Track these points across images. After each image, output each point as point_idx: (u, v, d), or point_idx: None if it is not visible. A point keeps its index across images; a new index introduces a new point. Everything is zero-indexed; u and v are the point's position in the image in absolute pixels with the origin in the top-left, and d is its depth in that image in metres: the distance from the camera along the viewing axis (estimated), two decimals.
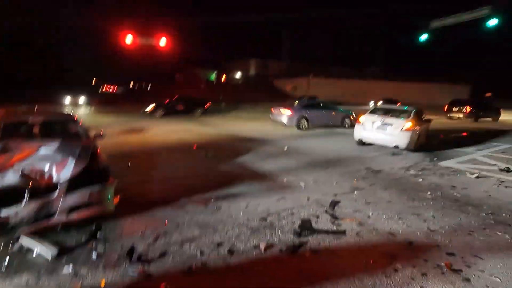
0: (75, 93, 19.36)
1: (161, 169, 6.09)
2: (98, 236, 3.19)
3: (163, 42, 22.46)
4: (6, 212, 3.03)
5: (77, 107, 19.97)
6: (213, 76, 29.28)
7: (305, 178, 5.51)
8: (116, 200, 3.70)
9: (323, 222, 3.66)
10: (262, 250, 2.97)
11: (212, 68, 29.45)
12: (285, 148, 8.26)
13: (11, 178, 3.14)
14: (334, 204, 4.30)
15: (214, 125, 13.60)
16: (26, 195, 3.12)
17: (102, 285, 2.42)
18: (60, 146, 3.72)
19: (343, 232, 3.42)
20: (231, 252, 2.93)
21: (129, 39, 21.28)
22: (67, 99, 19.09)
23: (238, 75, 28.11)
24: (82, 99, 18.45)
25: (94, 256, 2.82)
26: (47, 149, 3.62)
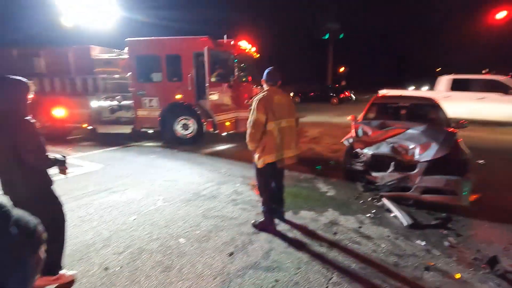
0: (419, 81, 19.95)
1: None
2: (450, 226, 3.09)
3: None
4: (376, 173, 3.80)
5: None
6: None
7: None
8: (473, 197, 3.35)
9: None
10: None
11: None
12: None
13: (383, 149, 3.82)
14: None
15: None
16: (392, 165, 3.69)
17: (457, 277, 2.31)
18: (425, 129, 3.94)
19: None
20: None
21: (500, 14, 17.74)
22: (411, 87, 20.10)
23: None
24: (425, 88, 18.44)
25: (446, 243, 2.76)
26: (414, 130, 3.97)
